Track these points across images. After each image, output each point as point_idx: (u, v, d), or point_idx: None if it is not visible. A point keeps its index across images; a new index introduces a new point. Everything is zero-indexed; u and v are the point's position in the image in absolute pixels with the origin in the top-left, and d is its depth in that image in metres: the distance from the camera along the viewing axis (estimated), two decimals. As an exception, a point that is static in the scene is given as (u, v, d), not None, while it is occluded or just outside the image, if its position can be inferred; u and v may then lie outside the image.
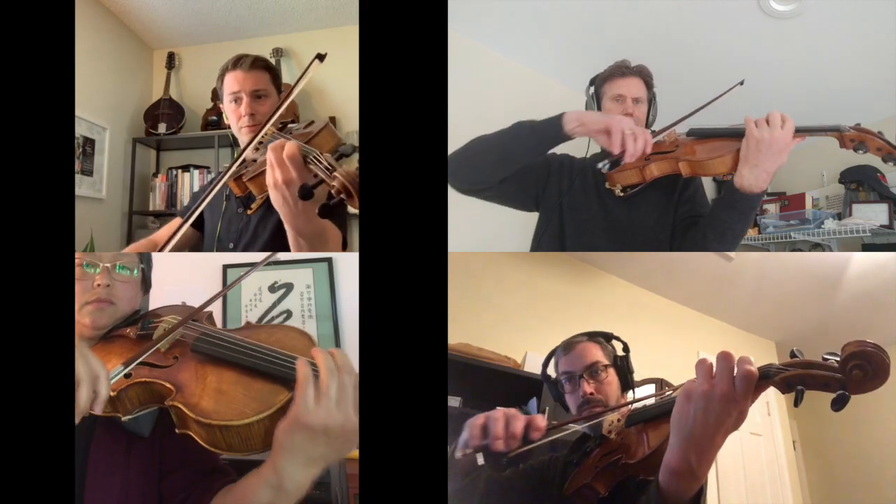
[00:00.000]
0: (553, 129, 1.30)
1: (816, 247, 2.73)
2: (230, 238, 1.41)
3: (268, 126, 1.24)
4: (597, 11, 2.28)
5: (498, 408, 0.93)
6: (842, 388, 0.70)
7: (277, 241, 1.35)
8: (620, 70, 1.53)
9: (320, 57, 1.22)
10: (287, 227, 1.03)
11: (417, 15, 1.16)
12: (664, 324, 2.80)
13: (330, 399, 0.76)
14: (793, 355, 0.77)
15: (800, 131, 1.21)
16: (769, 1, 2.15)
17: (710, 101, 1.37)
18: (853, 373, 0.69)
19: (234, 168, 1.20)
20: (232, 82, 1.40)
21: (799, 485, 3.25)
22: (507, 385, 2.11)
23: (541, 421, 0.92)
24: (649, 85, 1.54)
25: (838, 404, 0.70)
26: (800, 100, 2.66)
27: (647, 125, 1.53)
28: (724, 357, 0.75)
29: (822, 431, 3.37)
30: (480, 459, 0.92)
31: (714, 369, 0.75)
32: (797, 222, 2.77)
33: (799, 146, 1.27)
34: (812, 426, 3.44)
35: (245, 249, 1.39)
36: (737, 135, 1.25)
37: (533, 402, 2.11)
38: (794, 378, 0.73)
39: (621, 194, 1.46)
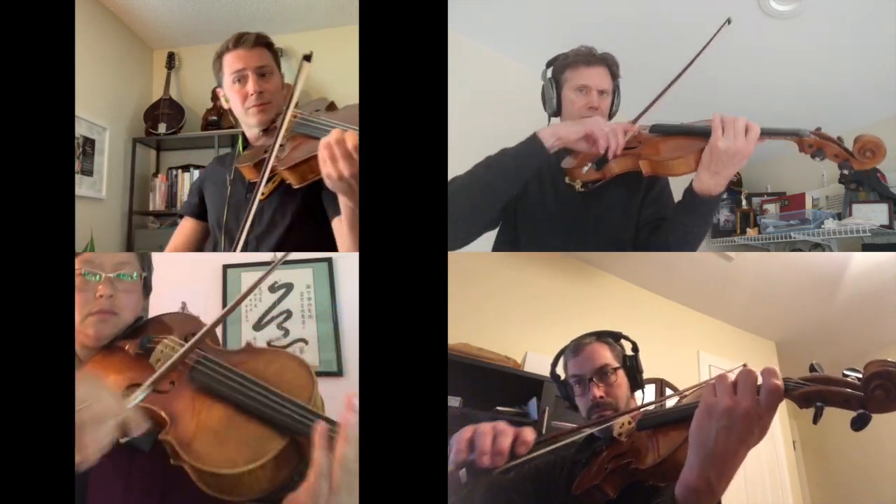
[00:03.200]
0: (534, 151, 1.27)
1: (816, 247, 2.73)
2: (240, 227, 1.38)
3: (283, 129, 1.24)
4: (595, 11, 2.28)
5: (484, 422, 0.90)
6: (862, 406, 0.68)
7: (297, 231, 1.33)
8: (586, 58, 1.45)
9: (307, 58, 1.23)
10: (350, 211, 1.10)
11: (417, 15, 1.16)
12: (664, 324, 2.80)
13: (340, 494, 0.75)
14: (812, 369, 0.75)
15: (760, 134, 1.19)
16: (769, 1, 2.15)
17: (674, 79, 1.36)
18: (876, 392, 0.67)
19: (273, 152, 1.22)
20: (234, 61, 1.37)
21: (799, 485, 3.25)
22: (507, 385, 2.11)
23: (529, 435, 0.87)
24: (615, 75, 1.47)
25: (859, 424, 0.68)
26: (799, 100, 2.66)
27: (610, 117, 1.48)
28: (747, 374, 0.73)
29: (822, 431, 3.36)
30: (464, 477, 0.88)
31: (736, 385, 0.73)
32: (797, 222, 2.77)
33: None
34: (812, 426, 3.43)
35: (259, 239, 1.35)
36: (701, 133, 1.22)
37: (533, 403, 2.11)
38: (814, 394, 0.72)
39: (582, 190, 1.40)
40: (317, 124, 1.26)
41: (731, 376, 0.74)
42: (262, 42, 1.41)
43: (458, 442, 0.89)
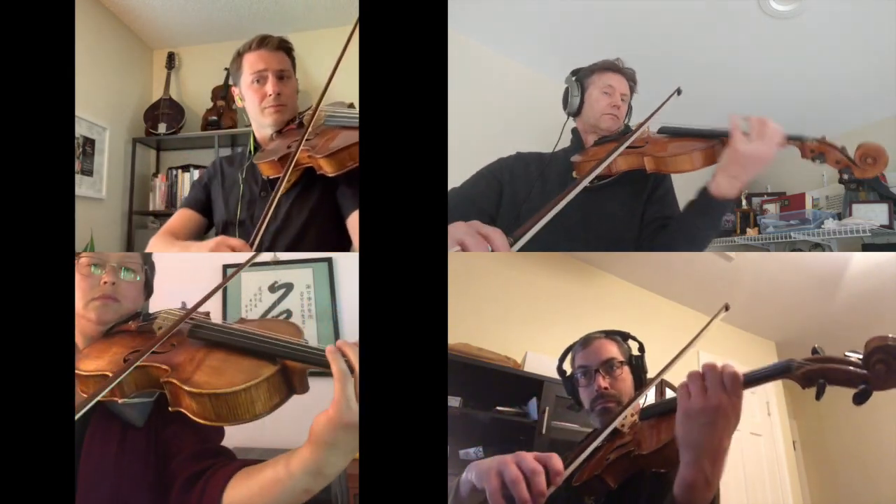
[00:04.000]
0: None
1: (816, 247, 2.73)
2: (255, 223, 1.37)
3: (311, 125, 1.29)
4: (597, 11, 2.28)
5: (506, 459, 0.79)
6: (864, 382, 0.70)
7: (313, 227, 1.36)
8: (614, 66, 1.52)
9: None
10: None
11: (417, 15, 1.16)
12: (664, 324, 2.80)
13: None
14: (814, 351, 0.78)
15: None
16: (769, 1, 2.15)
17: (652, 114, 1.35)
18: (877, 367, 0.69)
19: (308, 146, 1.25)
20: (256, 61, 1.40)
21: (799, 485, 3.25)
22: (507, 385, 2.11)
23: (558, 463, 0.79)
24: (632, 90, 1.54)
25: (861, 398, 0.70)
26: (799, 100, 2.66)
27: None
28: (710, 368, 0.81)
29: (822, 431, 3.37)
30: None
31: (704, 383, 0.81)
32: (797, 222, 2.76)
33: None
34: (812, 426, 3.44)
35: (276, 235, 1.37)
36: (708, 136, 1.25)
37: (533, 403, 2.11)
38: (816, 372, 0.74)
39: (588, 185, 1.39)
40: (347, 115, 1.32)
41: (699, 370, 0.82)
42: (284, 46, 1.44)
43: (489, 488, 0.78)
